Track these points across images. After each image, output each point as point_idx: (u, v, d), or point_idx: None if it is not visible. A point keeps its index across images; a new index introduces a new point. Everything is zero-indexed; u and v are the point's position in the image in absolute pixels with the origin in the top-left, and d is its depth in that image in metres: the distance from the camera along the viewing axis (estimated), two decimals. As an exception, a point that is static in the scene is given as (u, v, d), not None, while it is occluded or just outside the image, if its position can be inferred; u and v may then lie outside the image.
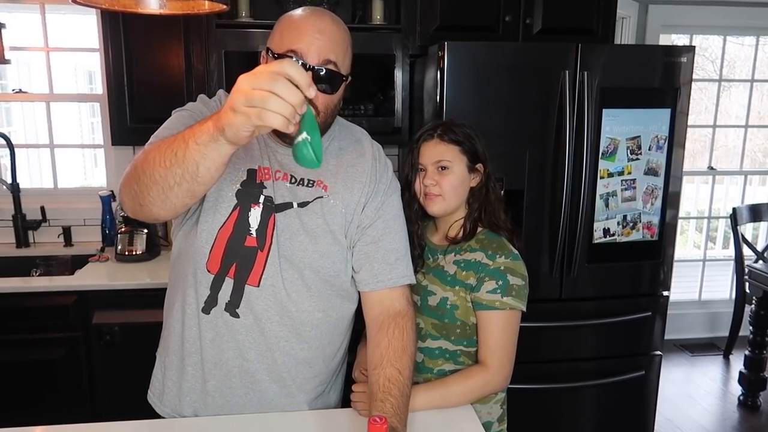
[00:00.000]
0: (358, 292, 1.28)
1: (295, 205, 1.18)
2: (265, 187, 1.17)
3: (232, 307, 1.18)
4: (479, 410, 1.31)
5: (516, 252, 1.36)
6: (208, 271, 1.18)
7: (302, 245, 1.18)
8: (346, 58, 1.13)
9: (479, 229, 1.40)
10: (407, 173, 1.44)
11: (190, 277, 1.20)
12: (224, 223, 1.15)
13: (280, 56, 1.07)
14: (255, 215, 1.15)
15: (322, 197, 1.19)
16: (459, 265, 1.36)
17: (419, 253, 1.41)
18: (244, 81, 0.80)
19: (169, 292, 1.31)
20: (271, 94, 0.78)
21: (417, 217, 1.43)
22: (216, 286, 1.18)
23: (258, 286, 1.17)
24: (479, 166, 1.41)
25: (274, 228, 1.16)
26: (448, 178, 1.37)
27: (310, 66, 1.06)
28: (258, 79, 0.78)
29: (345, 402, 1.37)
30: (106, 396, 2.23)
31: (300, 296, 1.20)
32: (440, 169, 1.38)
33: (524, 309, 1.33)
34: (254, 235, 1.15)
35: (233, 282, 1.18)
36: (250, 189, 1.16)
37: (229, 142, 0.85)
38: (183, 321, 1.23)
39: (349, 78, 1.15)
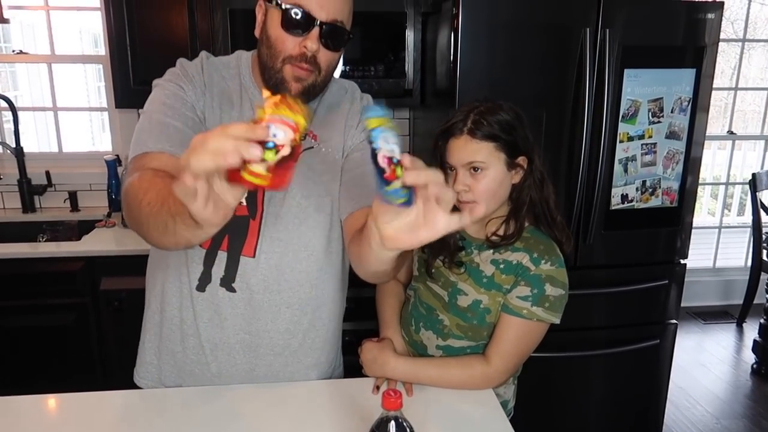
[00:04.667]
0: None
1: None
2: None
3: (228, 282, 1.14)
4: (496, 391, 1.27)
5: (562, 258, 1.22)
6: (200, 246, 1.13)
7: (295, 201, 1.14)
8: (350, 14, 1.07)
9: (526, 225, 1.24)
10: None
11: (181, 254, 1.15)
12: None
13: (287, 9, 1.00)
14: None
15: (312, 147, 1.15)
16: (498, 265, 1.22)
17: (452, 252, 1.26)
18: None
19: (153, 272, 1.24)
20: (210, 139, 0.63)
21: None
22: (209, 261, 1.14)
23: (254, 256, 1.13)
24: (521, 159, 1.22)
25: (264, 192, 1.12)
26: (483, 182, 1.19)
27: (318, 22, 1.01)
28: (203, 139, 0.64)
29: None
30: (116, 362, 2.23)
31: (297, 258, 1.16)
32: (473, 170, 1.19)
33: (557, 321, 1.21)
34: (244, 203, 1.10)
35: (227, 254, 1.13)
36: None
37: (212, 227, 0.75)
38: (175, 302, 1.18)
39: (351, 35, 1.09)
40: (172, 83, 1.10)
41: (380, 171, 0.67)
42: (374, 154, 0.66)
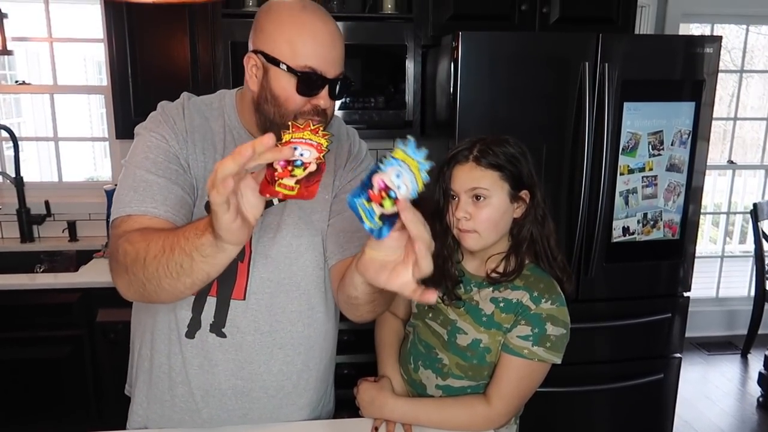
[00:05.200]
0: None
1: (275, 201, 1.12)
2: None
3: (218, 327, 1.13)
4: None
5: (563, 296, 1.20)
6: None
7: (286, 241, 1.13)
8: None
9: (526, 262, 1.22)
10: (437, 198, 1.24)
11: None
12: None
13: (302, 75, 0.99)
14: None
15: None
16: (497, 304, 1.20)
17: (452, 285, 1.24)
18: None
19: (139, 319, 1.22)
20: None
21: (451, 252, 1.25)
22: (198, 307, 1.12)
23: (244, 299, 1.12)
24: (524, 193, 1.21)
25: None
26: (485, 210, 1.18)
27: (328, 79, 1.02)
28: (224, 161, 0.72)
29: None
30: (112, 395, 2.19)
31: (289, 298, 1.15)
32: (475, 198, 1.19)
33: (558, 361, 1.18)
34: None
35: (216, 299, 1.12)
36: None
37: (235, 245, 0.80)
38: (163, 349, 1.16)
39: (354, 83, 1.12)
40: (154, 134, 1.08)
41: (364, 185, 0.70)
42: (373, 172, 0.70)
